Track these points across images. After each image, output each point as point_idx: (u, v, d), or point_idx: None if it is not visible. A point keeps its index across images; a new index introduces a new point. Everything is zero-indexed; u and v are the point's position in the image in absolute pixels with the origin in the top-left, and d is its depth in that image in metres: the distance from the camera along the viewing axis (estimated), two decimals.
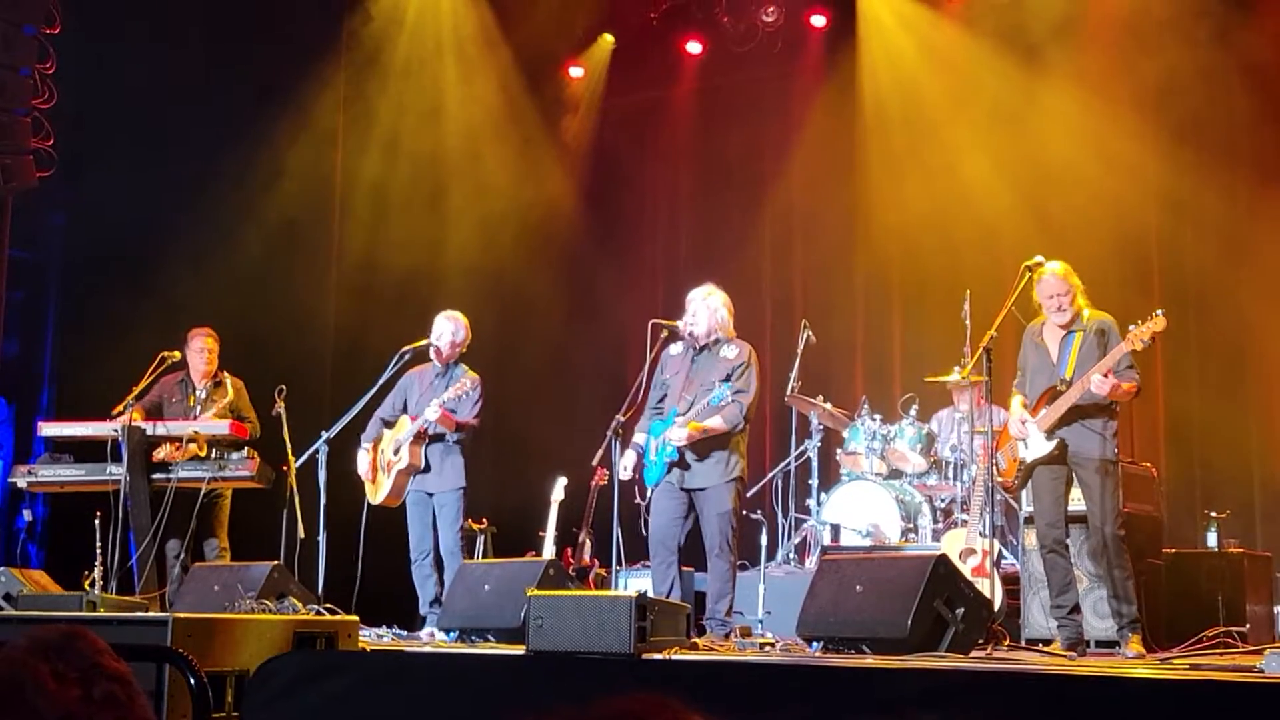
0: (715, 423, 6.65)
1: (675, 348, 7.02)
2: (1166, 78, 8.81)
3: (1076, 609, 6.30)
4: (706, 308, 6.89)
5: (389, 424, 7.67)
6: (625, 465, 6.82)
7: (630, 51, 11.62)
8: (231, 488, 7.71)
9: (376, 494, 7.59)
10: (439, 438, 7.50)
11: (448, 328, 7.68)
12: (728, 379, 6.66)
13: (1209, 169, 8.87)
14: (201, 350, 7.94)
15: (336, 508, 7.29)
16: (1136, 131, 9.19)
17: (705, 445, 6.73)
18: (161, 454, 7.30)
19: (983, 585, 6.21)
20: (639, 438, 6.92)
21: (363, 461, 7.63)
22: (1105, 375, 6.01)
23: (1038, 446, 6.26)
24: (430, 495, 7.55)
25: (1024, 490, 6.90)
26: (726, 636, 6.50)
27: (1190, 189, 9.02)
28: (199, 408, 7.75)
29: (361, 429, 7.70)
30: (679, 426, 6.63)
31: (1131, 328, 6.05)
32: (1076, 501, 6.43)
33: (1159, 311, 6.01)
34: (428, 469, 7.50)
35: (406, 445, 7.45)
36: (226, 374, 7.94)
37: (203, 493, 7.28)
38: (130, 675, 1.70)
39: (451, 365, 7.66)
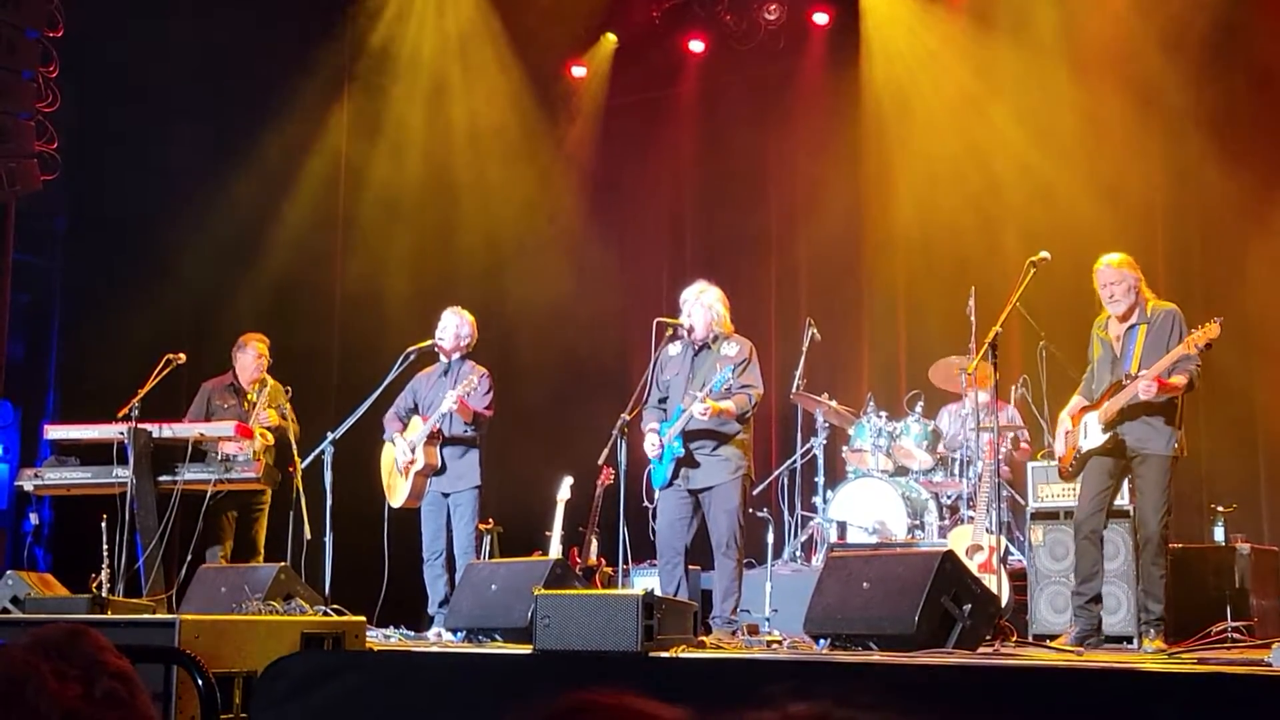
0: (728, 405, 6.69)
1: (673, 348, 7.03)
2: (1171, 69, 8.79)
3: (1097, 599, 6.30)
4: (701, 306, 6.90)
5: (403, 423, 7.67)
6: (651, 443, 6.87)
7: (633, 50, 11.63)
8: (266, 506, 7.83)
9: (395, 497, 7.62)
10: (453, 439, 7.50)
11: (453, 321, 7.69)
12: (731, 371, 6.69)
13: (1215, 163, 8.85)
14: (258, 356, 8.04)
15: (343, 509, 7.29)
16: (1142, 125, 9.17)
17: (711, 443, 6.75)
18: (228, 450, 7.37)
19: (990, 581, 6.20)
20: (652, 426, 6.93)
21: (400, 447, 7.62)
22: (1153, 380, 5.98)
23: (1094, 438, 6.27)
24: (446, 496, 7.55)
25: (1040, 485, 6.92)
26: (733, 634, 6.51)
27: (1196, 183, 9.00)
28: (254, 411, 7.80)
29: (367, 431, 7.70)
30: (699, 401, 6.63)
31: (1193, 331, 6.02)
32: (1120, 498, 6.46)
33: (1217, 320, 5.95)
34: (443, 470, 7.50)
35: (420, 447, 7.46)
36: (266, 375, 8.04)
37: (209, 497, 7.25)
38: (133, 673, 1.69)
39: (457, 361, 7.66)
